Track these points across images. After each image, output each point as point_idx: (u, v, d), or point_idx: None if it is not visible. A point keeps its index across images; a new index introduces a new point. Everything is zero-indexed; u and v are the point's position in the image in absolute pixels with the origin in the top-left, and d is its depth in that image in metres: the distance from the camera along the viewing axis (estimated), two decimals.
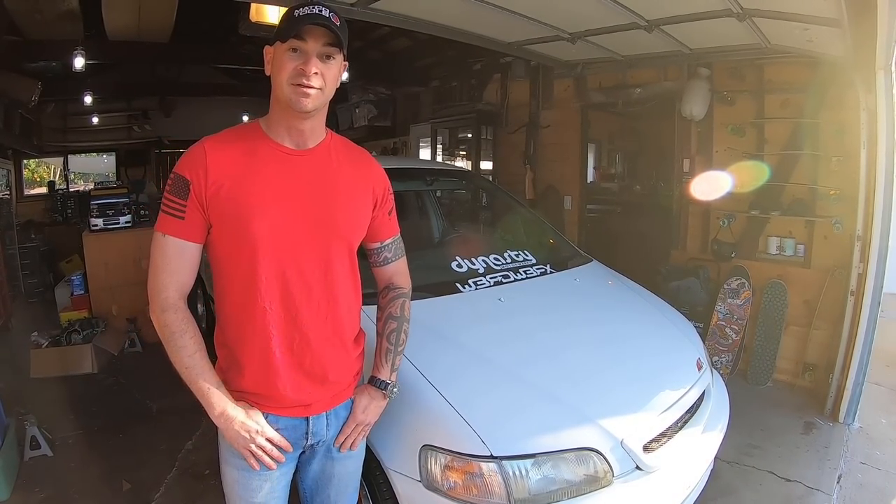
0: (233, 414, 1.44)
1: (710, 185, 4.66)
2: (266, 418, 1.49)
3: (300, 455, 1.64)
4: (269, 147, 1.48)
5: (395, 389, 1.69)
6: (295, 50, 1.40)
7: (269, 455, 1.47)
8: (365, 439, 1.75)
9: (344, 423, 1.64)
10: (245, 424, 1.44)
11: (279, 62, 1.42)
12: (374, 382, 1.68)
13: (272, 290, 1.45)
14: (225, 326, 1.53)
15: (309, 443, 1.59)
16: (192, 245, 1.45)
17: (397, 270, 1.77)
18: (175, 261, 1.44)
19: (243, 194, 1.42)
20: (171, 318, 1.42)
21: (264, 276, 1.44)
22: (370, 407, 1.66)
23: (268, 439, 1.46)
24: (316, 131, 1.54)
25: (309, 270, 1.49)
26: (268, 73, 1.46)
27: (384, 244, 1.72)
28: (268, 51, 1.47)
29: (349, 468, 1.73)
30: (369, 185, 1.63)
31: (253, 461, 1.46)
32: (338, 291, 1.55)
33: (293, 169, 1.49)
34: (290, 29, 1.38)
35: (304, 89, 1.39)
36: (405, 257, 1.80)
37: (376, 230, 1.67)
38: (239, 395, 1.49)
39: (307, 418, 1.55)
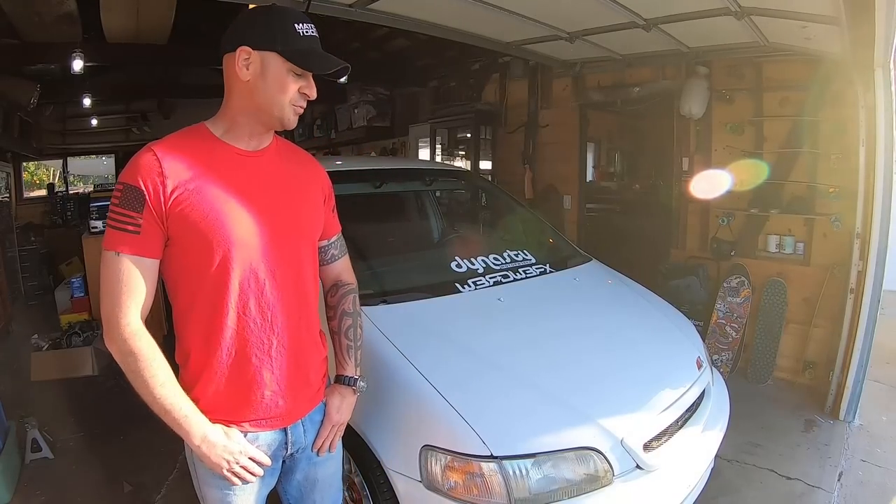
0: (214, 439, 1.37)
1: (709, 184, 4.66)
2: (245, 437, 1.44)
3: (282, 465, 1.60)
4: (224, 150, 1.42)
5: (362, 384, 1.69)
6: (298, 74, 1.38)
7: (249, 471, 1.42)
8: (340, 440, 1.72)
9: (319, 427, 1.62)
10: (227, 448, 1.38)
11: (280, 80, 1.36)
12: (343, 381, 1.67)
13: (245, 296, 1.39)
14: (190, 343, 1.41)
15: (289, 452, 1.55)
16: (150, 261, 1.33)
17: (344, 267, 1.75)
18: (134, 281, 1.31)
19: (207, 200, 1.34)
20: (136, 346, 1.31)
21: (237, 282, 1.38)
22: (343, 406, 1.65)
23: (250, 458, 1.42)
24: (270, 132, 1.52)
25: (281, 272, 1.45)
26: (245, 78, 1.36)
27: (331, 241, 1.70)
28: (248, 53, 1.35)
29: (330, 469, 1.70)
30: (318, 182, 1.62)
31: (234, 480, 1.42)
32: (308, 291, 1.54)
33: (251, 170, 1.44)
34: (298, 56, 1.36)
35: (299, 109, 1.42)
36: (347, 254, 1.79)
37: (325, 227, 1.65)
38: (212, 416, 1.40)
39: (285, 429, 1.52)
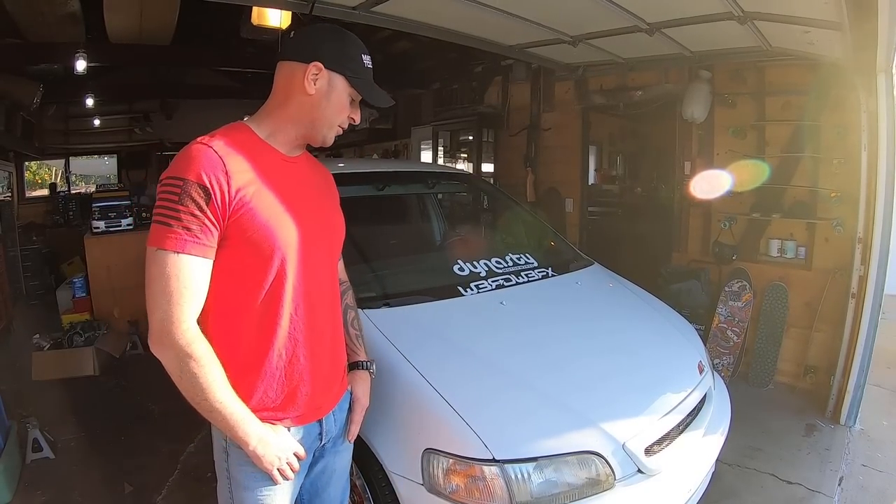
0: (269, 439, 1.38)
1: (710, 184, 4.66)
2: (288, 431, 1.47)
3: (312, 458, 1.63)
4: (269, 153, 1.44)
5: (373, 366, 1.79)
6: (353, 99, 1.48)
7: (292, 468, 1.45)
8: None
9: (346, 414, 1.68)
10: (280, 446, 1.41)
11: (341, 103, 1.46)
12: (360, 366, 1.76)
13: (298, 300, 1.42)
14: (239, 344, 1.39)
15: (322, 443, 1.60)
16: (210, 262, 1.31)
17: (342, 266, 1.80)
18: (196, 282, 1.28)
19: (265, 203, 1.35)
20: (197, 350, 1.27)
21: (291, 286, 1.40)
22: (367, 389, 1.74)
23: (295, 454, 1.45)
24: None
25: (323, 274, 1.51)
26: (310, 92, 1.41)
27: None
28: (319, 69, 1.41)
29: (346, 459, 1.75)
30: (334, 190, 1.69)
31: (279, 477, 1.43)
32: (336, 290, 1.63)
33: (293, 175, 1.48)
34: (363, 86, 1.47)
35: (340, 131, 1.51)
36: None
37: None
38: (259, 416, 1.40)
39: (320, 421, 1.56)
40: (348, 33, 1.48)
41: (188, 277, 1.26)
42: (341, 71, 1.42)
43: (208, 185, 1.26)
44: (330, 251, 1.57)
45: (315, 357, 1.49)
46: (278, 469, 1.41)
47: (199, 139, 1.33)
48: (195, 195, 1.25)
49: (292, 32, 1.50)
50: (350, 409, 1.69)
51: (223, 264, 1.34)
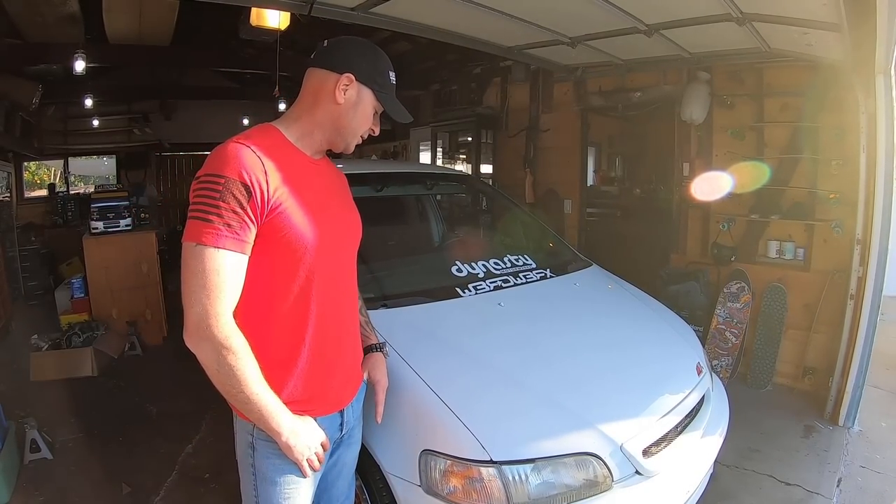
0: (300, 430, 1.43)
1: (709, 185, 4.67)
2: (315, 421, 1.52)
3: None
4: (298, 155, 1.50)
5: (385, 347, 1.88)
6: (375, 112, 1.56)
7: (319, 458, 1.49)
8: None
9: (362, 403, 1.76)
10: (311, 436, 1.46)
11: (367, 114, 1.54)
12: (375, 348, 1.83)
13: (323, 295, 1.48)
14: (271, 339, 1.43)
15: (342, 433, 1.64)
16: (247, 258, 1.35)
17: None
18: (234, 278, 1.32)
19: (300, 205, 1.40)
20: (235, 343, 1.31)
21: (319, 281, 1.46)
22: (384, 369, 1.82)
23: (321, 444, 1.50)
24: None
25: (344, 271, 1.59)
26: (339, 101, 1.48)
27: None
28: (351, 81, 1.48)
29: (354, 453, 1.79)
30: (349, 188, 1.75)
31: (308, 469, 1.47)
32: (355, 286, 1.70)
33: (318, 177, 1.54)
34: (388, 101, 1.55)
35: (360, 140, 1.57)
36: None
37: None
38: (290, 407, 1.44)
39: (342, 411, 1.62)
40: (379, 50, 1.57)
41: (227, 272, 1.30)
42: (370, 85, 1.51)
43: (249, 183, 1.30)
44: (351, 250, 1.64)
45: (341, 351, 1.58)
46: (307, 460, 1.46)
47: (234, 139, 1.37)
48: (236, 192, 1.29)
49: (325, 42, 1.52)
50: (373, 392, 1.77)
51: (256, 262, 1.37)
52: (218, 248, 1.28)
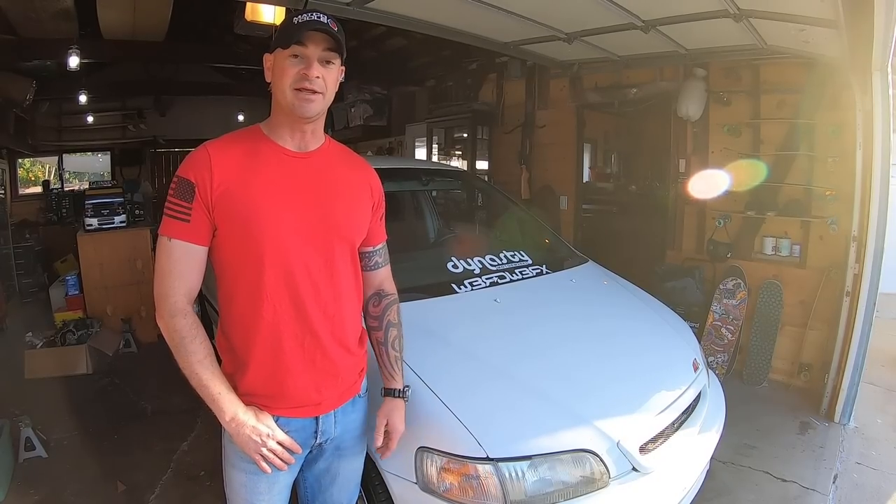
0: (243, 419, 1.44)
1: (705, 183, 4.67)
2: (276, 421, 1.50)
3: (307, 455, 1.64)
4: (271, 148, 1.51)
5: (408, 392, 1.75)
6: (296, 56, 1.44)
7: (279, 458, 1.47)
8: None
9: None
10: (256, 429, 1.44)
11: (280, 68, 1.46)
12: (394, 393, 1.72)
13: (279, 290, 1.47)
14: (231, 329, 1.52)
15: (317, 442, 1.60)
16: (198, 248, 1.45)
17: (387, 275, 1.80)
18: (182, 264, 1.44)
19: (249, 195, 1.44)
20: (180, 324, 1.42)
21: (272, 275, 1.45)
22: (403, 416, 1.72)
23: (278, 442, 1.47)
24: (317, 134, 1.58)
25: (315, 269, 1.51)
26: (268, 80, 1.50)
27: (376, 249, 1.74)
28: (267, 58, 1.51)
29: (354, 465, 1.77)
30: (367, 188, 1.67)
31: (264, 465, 1.46)
32: (342, 290, 1.58)
33: (295, 170, 1.52)
34: (290, 35, 1.42)
35: (307, 94, 1.44)
36: (389, 264, 1.82)
37: (371, 234, 1.69)
38: (248, 399, 1.48)
39: (316, 418, 1.57)
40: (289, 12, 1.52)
41: (175, 259, 1.43)
42: (276, 46, 1.47)
43: (194, 181, 1.42)
44: (328, 248, 1.53)
45: (306, 352, 1.52)
46: (262, 456, 1.45)
47: (204, 143, 1.49)
48: (184, 189, 1.42)
49: None
50: (386, 435, 1.69)
51: (217, 252, 1.49)
52: (170, 237, 1.43)
